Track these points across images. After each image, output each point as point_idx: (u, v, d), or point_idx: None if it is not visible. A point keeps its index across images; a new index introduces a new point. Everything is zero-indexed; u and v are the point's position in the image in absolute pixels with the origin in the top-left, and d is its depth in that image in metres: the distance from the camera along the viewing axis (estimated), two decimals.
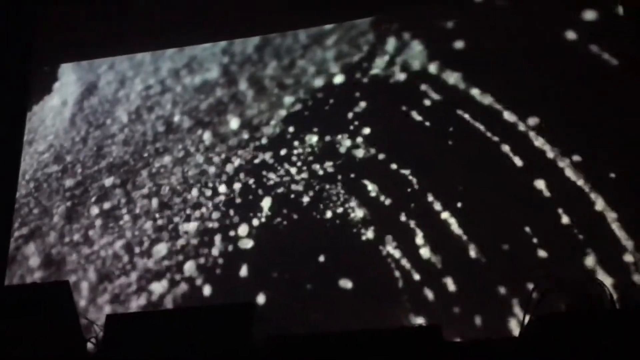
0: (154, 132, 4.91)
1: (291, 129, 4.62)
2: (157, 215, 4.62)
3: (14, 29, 4.97)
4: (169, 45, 5.20)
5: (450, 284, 3.96)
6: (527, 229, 3.96)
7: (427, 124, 4.39)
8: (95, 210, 4.79)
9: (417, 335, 2.82)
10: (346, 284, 4.13)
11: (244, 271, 4.34)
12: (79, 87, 5.29)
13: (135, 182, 4.76)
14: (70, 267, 4.65)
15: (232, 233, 4.46)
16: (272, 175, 4.52)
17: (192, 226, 4.52)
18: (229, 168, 4.62)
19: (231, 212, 4.51)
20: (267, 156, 4.58)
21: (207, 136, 4.76)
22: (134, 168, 4.82)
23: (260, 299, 4.20)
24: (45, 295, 3.02)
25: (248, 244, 4.39)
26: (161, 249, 4.50)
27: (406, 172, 4.30)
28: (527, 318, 2.92)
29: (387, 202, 4.26)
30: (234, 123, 4.74)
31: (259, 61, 4.90)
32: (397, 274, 4.07)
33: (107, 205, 4.76)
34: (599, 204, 3.88)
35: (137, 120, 5.00)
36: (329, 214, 4.32)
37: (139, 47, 5.24)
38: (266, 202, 4.45)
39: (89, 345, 3.05)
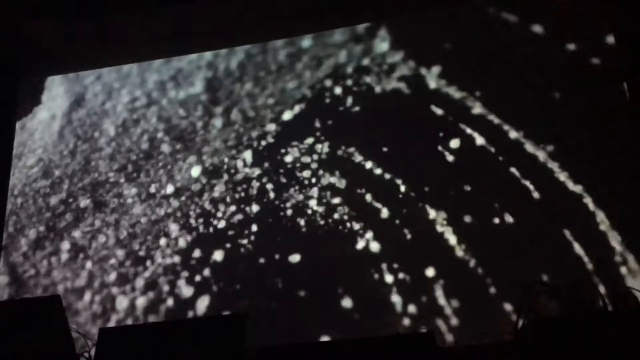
0: (139, 148, 4.91)
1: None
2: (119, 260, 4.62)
3: (2, 42, 4.96)
4: (156, 57, 5.19)
5: (442, 289, 3.98)
6: (521, 232, 4.00)
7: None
8: (65, 245, 4.76)
9: (410, 341, 2.83)
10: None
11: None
12: (67, 99, 5.27)
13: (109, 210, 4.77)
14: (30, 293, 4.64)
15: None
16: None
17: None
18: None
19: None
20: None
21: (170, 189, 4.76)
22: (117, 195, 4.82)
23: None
24: (37, 310, 3.01)
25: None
26: (122, 301, 4.49)
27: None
28: (520, 322, 2.94)
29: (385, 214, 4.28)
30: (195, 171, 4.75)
31: (239, 78, 4.91)
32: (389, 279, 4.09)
33: (77, 234, 4.74)
34: (591, 206, 3.91)
35: (123, 134, 4.99)
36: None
37: (126, 58, 5.24)
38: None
39: None
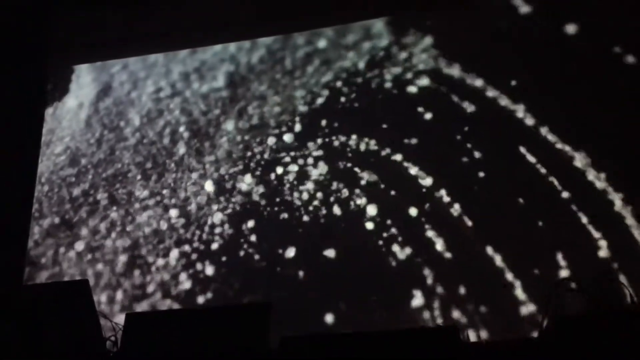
0: (160, 142, 4.94)
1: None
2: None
3: (31, 32, 4.99)
4: (181, 47, 5.23)
5: (467, 284, 3.97)
6: (545, 229, 3.97)
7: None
8: (77, 247, 4.80)
9: (434, 335, 2.82)
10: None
11: None
12: (94, 88, 5.32)
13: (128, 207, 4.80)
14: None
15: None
16: None
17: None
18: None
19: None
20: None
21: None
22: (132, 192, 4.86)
23: None
24: (65, 294, 3.04)
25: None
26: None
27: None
28: (546, 319, 2.92)
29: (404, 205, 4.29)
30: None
31: (257, 76, 4.94)
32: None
33: (84, 232, 4.78)
34: (617, 202, 3.88)
35: (147, 125, 5.02)
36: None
37: (152, 48, 5.27)
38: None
39: (108, 344, 3.06)
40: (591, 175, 3.99)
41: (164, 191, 4.77)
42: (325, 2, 5.00)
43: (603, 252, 3.82)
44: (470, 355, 2.90)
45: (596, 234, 3.85)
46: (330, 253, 4.26)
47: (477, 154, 4.25)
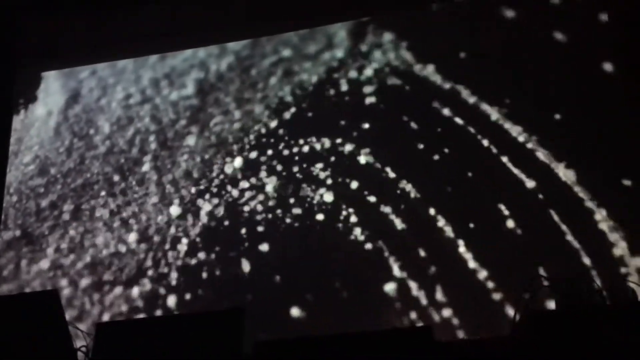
0: (130, 152, 4.89)
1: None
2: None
3: None
4: (151, 52, 5.19)
5: (439, 284, 3.99)
6: (516, 227, 4.02)
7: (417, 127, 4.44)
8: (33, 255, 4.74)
9: (408, 336, 2.83)
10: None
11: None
12: (63, 95, 5.25)
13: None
14: None
15: None
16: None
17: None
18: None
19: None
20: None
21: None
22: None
23: None
24: (34, 305, 3.00)
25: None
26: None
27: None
28: (517, 316, 2.94)
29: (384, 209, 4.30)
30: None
31: (228, 83, 4.92)
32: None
33: (50, 251, 4.71)
34: (587, 200, 3.93)
35: (117, 132, 4.97)
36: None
37: (121, 54, 5.23)
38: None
39: (79, 355, 3.02)
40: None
41: (126, 210, 4.71)
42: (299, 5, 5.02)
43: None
44: (444, 354, 2.92)
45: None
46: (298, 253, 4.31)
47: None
